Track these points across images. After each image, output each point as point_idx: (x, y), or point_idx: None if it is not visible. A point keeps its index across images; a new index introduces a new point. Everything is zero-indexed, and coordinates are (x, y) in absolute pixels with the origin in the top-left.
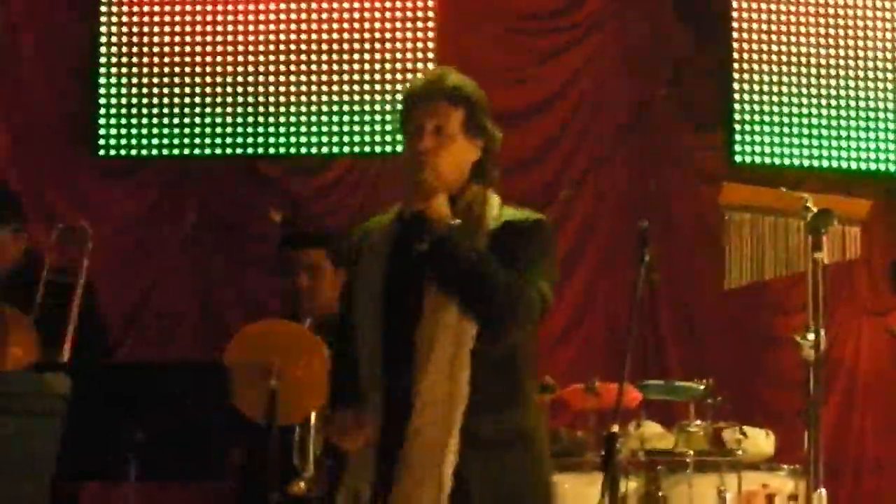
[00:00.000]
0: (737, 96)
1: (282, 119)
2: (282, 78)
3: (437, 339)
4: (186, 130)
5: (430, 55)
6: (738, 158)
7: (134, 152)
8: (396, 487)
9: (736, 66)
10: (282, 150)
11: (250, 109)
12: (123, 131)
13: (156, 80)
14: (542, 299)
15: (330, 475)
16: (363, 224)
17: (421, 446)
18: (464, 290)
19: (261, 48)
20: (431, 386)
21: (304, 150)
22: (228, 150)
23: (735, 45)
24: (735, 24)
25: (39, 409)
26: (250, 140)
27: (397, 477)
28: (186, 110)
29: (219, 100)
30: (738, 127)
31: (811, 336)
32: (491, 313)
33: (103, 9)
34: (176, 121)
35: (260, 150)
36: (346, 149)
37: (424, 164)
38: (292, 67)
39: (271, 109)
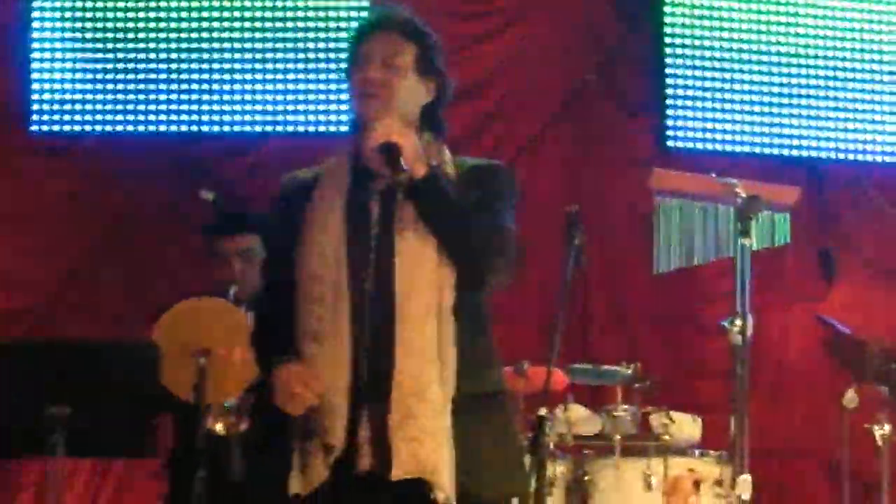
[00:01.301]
0: (669, 81)
1: (215, 97)
2: (214, 55)
3: (416, 287)
4: (119, 107)
5: None
6: (669, 144)
7: (66, 129)
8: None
9: (668, 50)
10: (214, 128)
11: (184, 87)
12: (56, 107)
13: (89, 55)
14: (516, 246)
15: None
16: (292, 174)
17: (422, 408)
18: (450, 229)
19: (193, 25)
20: (413, 337)
21: (235, 128)
22: (162, 128)
23: (667, 30)
24: (666, 10)
25: None
26: (184, 118)
27: (389, 436)
28: (120, 86)
29: (153, 76)
30: (669, 112)
31: (738, 322)
32: (480, 255)
33: None
34: (109, 97)
35: (192, 129)
36: (278, 127)
37: (372, 96)
38: (226, 45)
39: (204, 87)
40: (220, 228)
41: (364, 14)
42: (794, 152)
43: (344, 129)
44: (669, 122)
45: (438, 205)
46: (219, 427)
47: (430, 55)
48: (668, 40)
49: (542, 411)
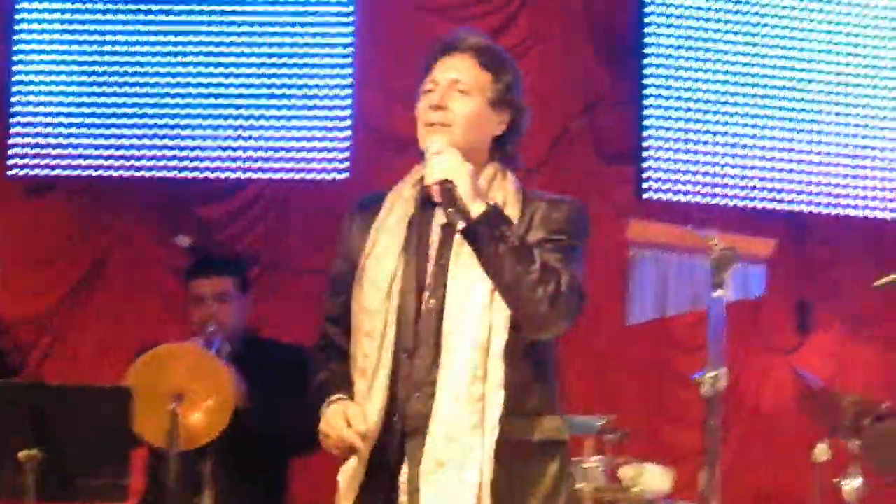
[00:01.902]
0: (647, 132)
1: (196, 142)
2: (195, 100)
3: (463, 327)
4: (99, 151)
5: (347, 80)
6: (646, 194)
7: (45, 172)
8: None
9: (647, 101)
10: (195, 173)
11: (165, 131)
12: (36, 150)
13: (71, 99)
14: (579, 292)
15: None
16: (361, 197)
17: (459, 455)
18: (502, 273)
19: (175, 69)
20: (454, 379)
21: (216, 173)
22: (142, 172)
23: (646, 80)
24: (647, 60)
25: None
26: (164, 162)
27: (420, 485)
28: (100, 130)
29: (134, 120)
30: (647, 163)
31: (710, 374)
32: (530, 301)
33: (18, 27)
34: (88, 140)
35: (173, 173)
36: (257, 173)
37: (433, 125)
38: (208, 89)
39: (186, 131)
40: (196, 271)
41: (345, 63)
42: (774, 204)
43: (325, 175)
44: (647, 173)
45: (492, 246)
46: None
47: (505, 85)
48: (647, 90)
49: None
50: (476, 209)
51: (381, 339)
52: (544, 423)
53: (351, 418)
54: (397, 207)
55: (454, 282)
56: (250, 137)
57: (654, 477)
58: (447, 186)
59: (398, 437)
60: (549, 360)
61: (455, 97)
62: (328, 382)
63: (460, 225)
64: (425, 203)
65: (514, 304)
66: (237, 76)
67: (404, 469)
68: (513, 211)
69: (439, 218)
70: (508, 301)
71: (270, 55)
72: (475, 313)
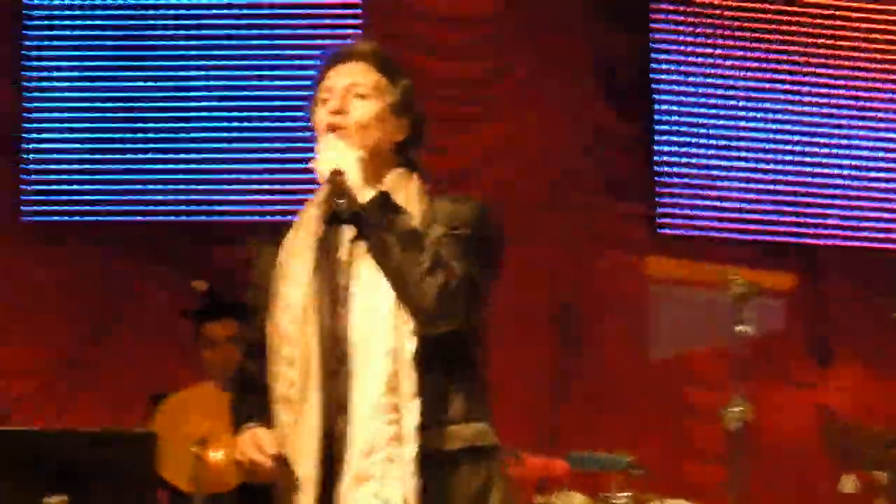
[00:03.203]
0: (659, 169)
1: (210, 186)
2: (209, 144)
3: (371, 333)
4: (111, 197)
5: None
6: (661, 230)
7: (59, 218)
8: None
9: (658, 138)
10: (209, 217)
11: (178, 176)
12: (49, 196)
13: (83, 145)
14: (472, 288)
15: None
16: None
17: (380, 469)
18: (391, 262)
19: (187, 113)
20: (366, 390)
21: (231, 217)
22: (156, 217)
23: (656, 116)
24: (656, 95)
25: None
26: (176, 207)
27: (340, 499)
28: (112, 177)
29: (147, 165)
30: (660, 199)
31: (734, 409)
32: (414, 292)
33: (29, 74)
34: (102, 186)
35: (185, 217)
36: (273, 217)
37: (333, 130)
38: (220, 133)
39: (200, 176)
40: (210, 314)
41: None
42: (788, 238)
43: None
44: (660, 209)
45: (379, 232)
46: None
47: (403, 89)
48: (657, 126)
49: (538, 499)
50: (364, 195)
51: (304, 364)
52: (467, 430)
53: (261, 442)
54: (304, 228)
55: (360, 290)
56: (265, 182)
57: None
58: (337, 178)
59: (329, 462)
60: (471, 363)
61: (354, 102)
62: (238, 416)
63: (348, 214)
64: (332, 220)
65: (402, 295)
66: (252, 121)
67: (334, 492)
68: (417, 208)
69: (348, 234)
70: (397, 292)
71: (284, 102)
72: (381, 319)
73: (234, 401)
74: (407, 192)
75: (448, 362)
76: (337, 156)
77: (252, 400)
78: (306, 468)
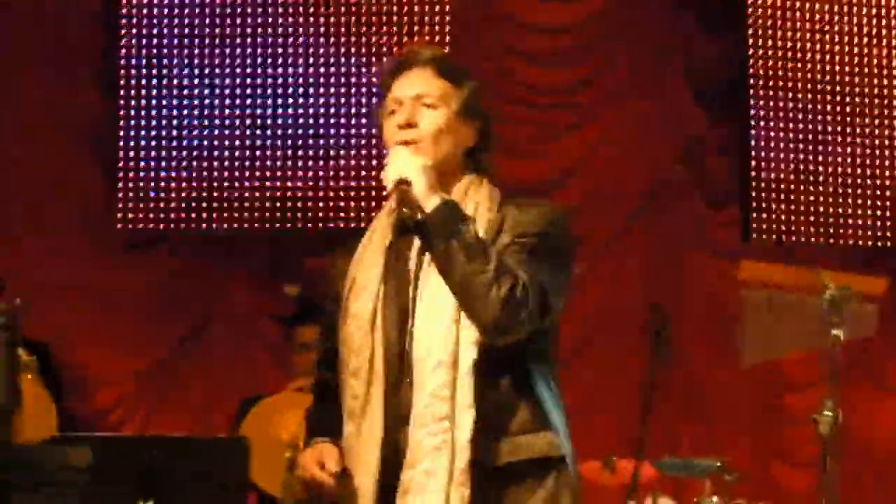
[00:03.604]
0: (752, 174)
1: (299, 193)
2: (299, 152)
3: (432, 344)
4: (204, 204)
5: None
6: (753, 235)
7: (152, 225)
8: None
9: (752, 143)
10: (299, 224)
11: (268, 183)
12: (142, 204)
13: (174, 154)
14: (539, 298)
15: None
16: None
17: (420, 480)
18: (455, 272)
19: (275, 120)
20: (422, 400)
21: (320, 223)
22: (246, 224)
23: (752, 122)
24: (752, 102)
25: (62, 482)
26: (266, 215)
27: None
28: (205, 184)
29: (237, 174)
30: (753, 204)
31: (828, 413)
32: (479, 302)
33: (123, 82)
34: (194, 194)
35: (276, 225)
36: (361, 222)
37: (404, 143)
38: (312, 140)
39: (289, 184)
40: (301, 318)
41: None
42: (879, 243)
43: None
44: (754, 214)
45: (443, 242)
46: None
47: (469, 93)
48: (753, 131)
49: None
50: (430, 204)
51: (367, 375)
52: (533, 441)
53: (325, 459)
54: (375, 238)
55: (423, 301)
56: (353, 187)
57: None
58: (402, 188)
59: (391, 474)
60: (538, 372)
61: (422, 112)
62: (310, 428)
63: (414, 224)
64: (403, 229)
65: (466, 306)
66: (339, 126)
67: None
68: (486, 217)
69: (417, 244)
70: (461, 303)
71: (371, 104)
72: (442, 329)
73: (309, 411)
74: (476, 199)
75: (515, 372)
76: (403, 165)
77: (326, 410)
78: (365, 480)
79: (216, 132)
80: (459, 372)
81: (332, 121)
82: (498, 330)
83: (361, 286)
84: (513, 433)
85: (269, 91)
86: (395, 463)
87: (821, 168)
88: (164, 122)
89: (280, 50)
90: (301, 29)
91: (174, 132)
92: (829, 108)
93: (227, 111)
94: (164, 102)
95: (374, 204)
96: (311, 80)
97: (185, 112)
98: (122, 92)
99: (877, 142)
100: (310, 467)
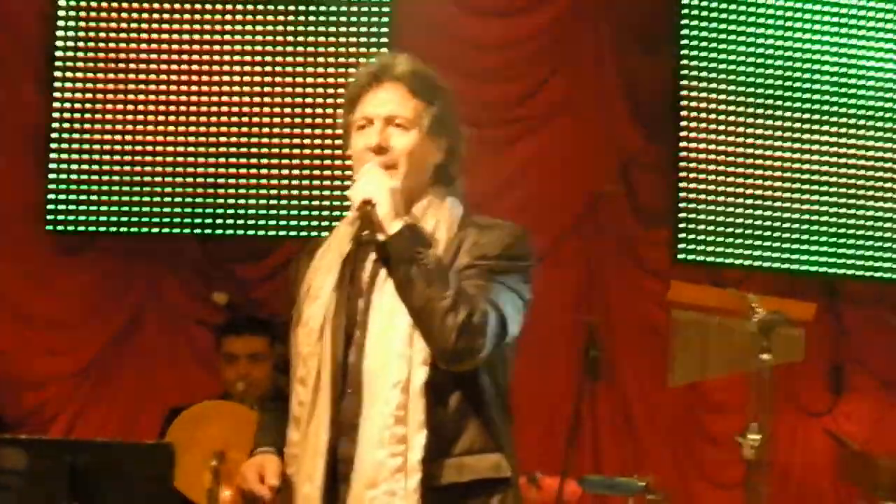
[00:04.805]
0: (682, 195)
1: (230, 201)
2: (233, 159)
3: (384, 362)
4: (136, 209)
5: None
6: (680, 256)
7: (83, 228)
8: None
9: (682, 164)
10: (229, 231)
11: (200, 189)
12: (73, 207)
13: (107, 157)
14: (498, 323)
15: None
16: (306, 243)
17: (384, 500)
18: (413, 296)
19: (210, 129)
20: (374, 419)
21: (251, 232)
22: (177, 230)
23: (682, 143)
24: (683, 123)
25: None
26: (198, 220)
27: None
28: (136, 188)
29: (169, 179)
30: (682, 225)
31: (754, 437)
32: (436, 327)
33: (57, 84)
34: (125, 198)
35: (208, 231)
36: (292, 232)
37: (375, 163)
38: (243, 148)
39: (220, 191)
40: (230, 329)
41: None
42: (805, 267)
43: None
44: (682, 234)
45: (403, 267)
46: None
47: (440, 111)
48: (683, 153)
49: None
50: (392, 228)
51: (314, 383)
52: (480, 462)
53: (265, 472)
54: (333, 246)
55: (376, 315)
56: (286, 197)
57: None
58: (367, 209)
59: (334, 483)
60: (489, 393)
61: (393, 134)
62: (256, 435)
63: (375, 246)
64: (361, 241)
65: (423, 331)
66: (272, 136)
67: None
68: (445, 236)
69: (373, 255)
70: (419, 327)
71: (308, 116)
72: (395, 348)
73: (260, 415)
74: (437, 217)
75: (464, 392)
76: (371, 186)
77: (274, 417)
78: (310, 489)
79: (150, 132)
80: (412, 393)
81: (267, 129)
82: (454, 356)
83: (315, 294)
84: (458, 454)
85: (206, 97)
86: (335, 471)
87: (749, 191)
88: (96, 124)
89: (217, 56)
90: (238, 34)
91: (107, 135)
92: (759, 132)
93: (161, 113)
94: (98, 100)
95: (310, 213)
96: (248, 87)
97: (120, 111)
98: (55, 93)
99: (804, 167)
100: (249, 479)
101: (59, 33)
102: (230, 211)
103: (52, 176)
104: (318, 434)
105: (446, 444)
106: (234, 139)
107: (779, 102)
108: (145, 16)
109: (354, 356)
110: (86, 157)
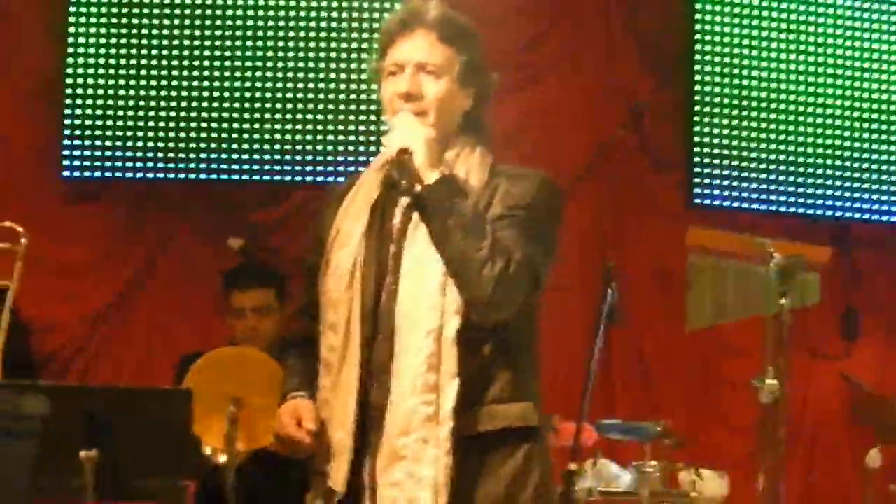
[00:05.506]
0: (696, 139)
1: (245, 146)
2: (247, 104)
3: (416, 311)
4: (151, 154)
5: None
6: (696, 200)
7: (98, 174)
8: (380, 490)
9: (696, 108)
10: (244, 177)
11: (216, 135)
12: (87, 153)
13: (121, 103)
14: (532, 274)
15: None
16: (332, 186)
17: (416, 448)
18: (449, 246)
19: (227, 73)
20: (407, 368)
21: (267, 177)
22: (192, 175)
23: (696, 86)
24: (697, 67)
25: (17, 431)
26: (213, 166)
27: (377, 481)
28: (151, 133)
29: (184, 124)
30: (696, 169)
31: (771, 381)
32: (478, 283)
33: (71, 30)
34: (140, 144)
35: (223, 177)
36: (308, 178)
37: (406, 111)
38: (258, 94)
39: (236, 136)
40: (237, 282)
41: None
42: (821, 212)
43: None
44: (696, 179)
45: (440, 217)
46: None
47: (470, 58)
48: (697, 97)
49: (572, 466)
50: (429, 178)
51: (345, 329)
52: (510, 410)
53: (302, 416)
54: (362, 191)
55: (408, 263)
56: (302, 143)
57: (711, 482)
58: (403, 157)
59: (364, 430)
60: (518, 344)
61: (424, 81)
62: (286, 379)
63: (412, 196)
64: (391, 184)
65: (460, 283)
66: (290, 80)
67: (367, 463)
68: (477, 185)
69: (404, 201)
70: (455, 278)
71: (322, 60)
72: (428, 296)
73: (287, 360)
74: (467, 166)
75: (495, 341)
76: (409, 134)
77: (303, 361)
78: (341, 435)
79: (166, 80)
80: (444, 342)
81: (282, 74)
82: (490, 307)
83: (343, 240)
84: (489, 402)
85: (224, 43)
86: (365, 416)
87: (763, 135)
88: (111, 69)
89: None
90: None
91: (126, 80)
92: (773, 75)
93: (178, 61)
94: (112, 50)
95: (325, 159)
96: (262, 31)
97: (136, 60)
98: (70, 38)
99: (818, 111)
100: (286, 424)
101: None
102: (245, 156)
103: (66, 122)
104: (349, 380)
105: (477, 392)
106: (248, 83)
107: (792, 46)
108: None
109: (385, 302)
110: (100, 102)
